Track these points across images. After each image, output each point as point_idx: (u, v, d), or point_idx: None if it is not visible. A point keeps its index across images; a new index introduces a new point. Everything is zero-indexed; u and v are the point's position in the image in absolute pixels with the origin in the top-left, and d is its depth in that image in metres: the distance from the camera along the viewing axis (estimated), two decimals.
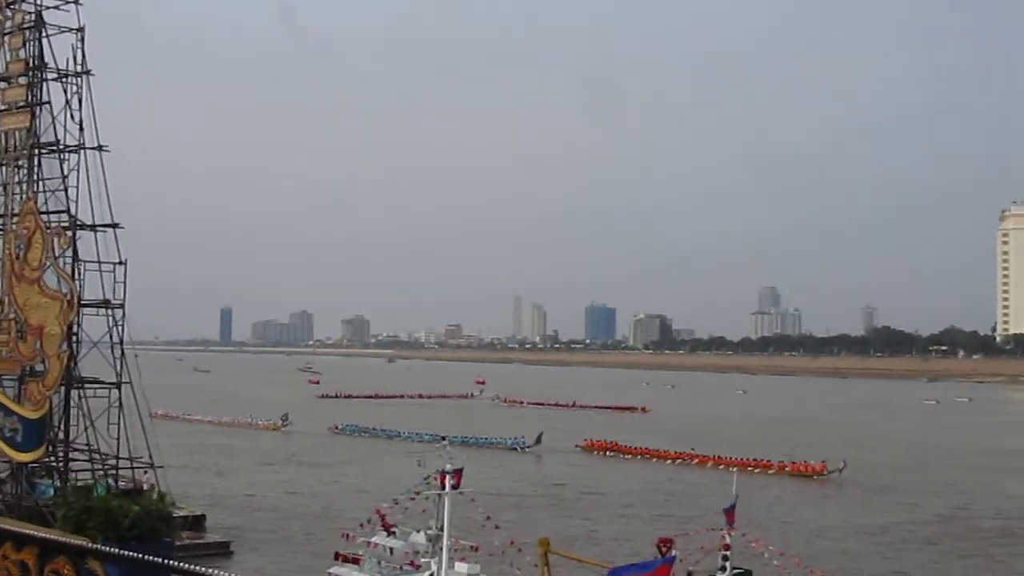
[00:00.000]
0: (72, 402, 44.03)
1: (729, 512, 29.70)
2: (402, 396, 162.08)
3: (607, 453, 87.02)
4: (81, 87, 45.02)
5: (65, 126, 45.03)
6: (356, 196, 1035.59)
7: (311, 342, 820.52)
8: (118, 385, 43.68)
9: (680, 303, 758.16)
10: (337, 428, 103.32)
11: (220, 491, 61.10)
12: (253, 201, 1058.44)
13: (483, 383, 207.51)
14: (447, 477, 30.01)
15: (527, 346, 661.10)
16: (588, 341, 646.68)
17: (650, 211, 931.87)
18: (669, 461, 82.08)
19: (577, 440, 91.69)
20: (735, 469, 64.41)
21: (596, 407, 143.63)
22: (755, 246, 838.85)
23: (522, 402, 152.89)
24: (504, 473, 72.96)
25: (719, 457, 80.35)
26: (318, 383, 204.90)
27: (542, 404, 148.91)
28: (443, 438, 33.89)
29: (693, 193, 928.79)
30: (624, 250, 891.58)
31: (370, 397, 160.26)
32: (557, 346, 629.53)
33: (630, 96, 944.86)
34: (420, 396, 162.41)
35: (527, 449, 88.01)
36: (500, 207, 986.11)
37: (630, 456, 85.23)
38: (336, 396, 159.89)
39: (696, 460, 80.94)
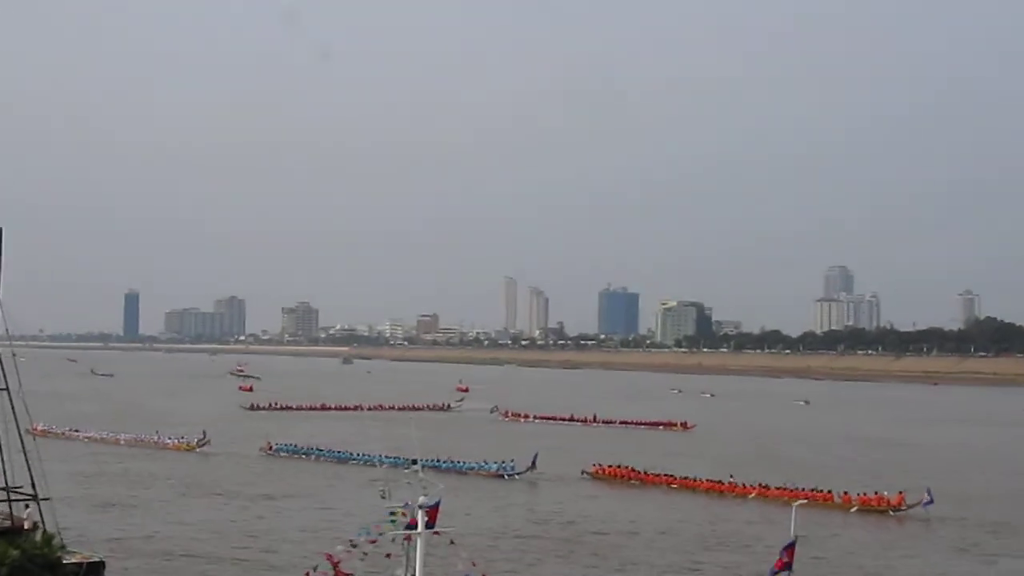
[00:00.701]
0: None
1: (786, 552, 29.97)
2: (358, 408, 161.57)
3: (626, 480, 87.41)
4: None
5: None
6: (300, 162, 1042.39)
7: (243, 337, 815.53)
8: None
9: (722, 288, 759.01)
10: (272, 448, 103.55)
11: (125, 531, 60.84)
12: (168, 169, 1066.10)
13: (466, 391, 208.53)
14: (420, 512, 30.01)
15: (524, 343, 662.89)
16: (603, 337, 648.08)
17: (682, 180, 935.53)
18: (703, 492, 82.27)
19: (586, 465, 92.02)
20: (796, 502, 64.76)
21: (624, 423, 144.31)
22: (820, 215, 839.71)
23: (527, 416, 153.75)
24: (492, 507, 73.05)
25: (764, 487, 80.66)
26: (251, 390, 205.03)
27: (553, 419, 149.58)
28: (414, 461, 33.74)
29: (737, 159, 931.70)
30: (650, 226, 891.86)
31: (316, 409, 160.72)
32: (563, 343, 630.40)
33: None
34: (383, 408, 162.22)
35: (518, 476, 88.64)
36: (490, 176, 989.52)
37: (653, 485, 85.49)
38: (271, 407, 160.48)
39: (736, 491, 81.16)
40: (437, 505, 30.74)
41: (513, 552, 57.72)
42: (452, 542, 31.57)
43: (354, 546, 33.80)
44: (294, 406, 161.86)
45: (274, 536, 60.63)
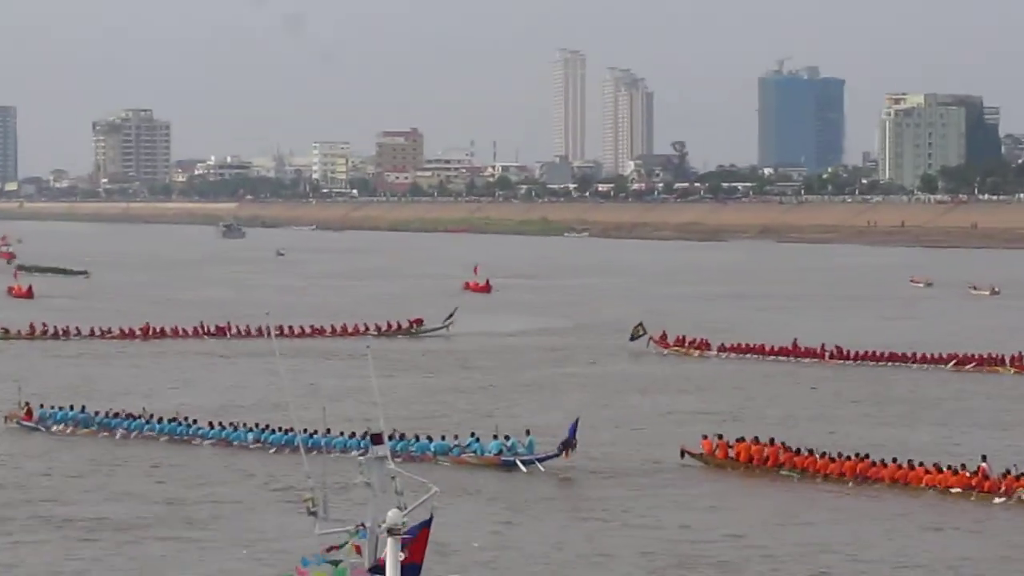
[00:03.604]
0: None
1: None
2: (223, 330, 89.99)
3: (767, 467, 50.41)
4: None
5: None
6: None
7: (14, 185, 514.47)
8: None
9: (1009, 76, 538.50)
10: (31, 417, 60.31)
11: None
12: None
13: (485, 290, 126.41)
14: (390, 544, 18.79)
15: (602, 188, 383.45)
16: (768, 173, 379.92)
17: None
18: (920, 488, 45.67)
19: (697, 441, 52.65)
20: None
21: (895, 360, 79.90)
22: None
23: (705, 345, 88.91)
24: (512, 530, 41.97)
25: None
26: (31, 295, 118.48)
27: (754, 352, 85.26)
28: (376, 439, 19.69)
29: None
30: None
31: (132, 336, 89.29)
32: (685, 186, 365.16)
33: None
34: (295, 333, 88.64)
35: (540, 464, 50.73)
36: None
37: (818, 477, 48.18)
38: (36, 335, 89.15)
39: (989, 487, 45.33)
40: (425, 529, 19.19)
41: None
42: None
43: None
44: (86, 332, 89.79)
45: None
